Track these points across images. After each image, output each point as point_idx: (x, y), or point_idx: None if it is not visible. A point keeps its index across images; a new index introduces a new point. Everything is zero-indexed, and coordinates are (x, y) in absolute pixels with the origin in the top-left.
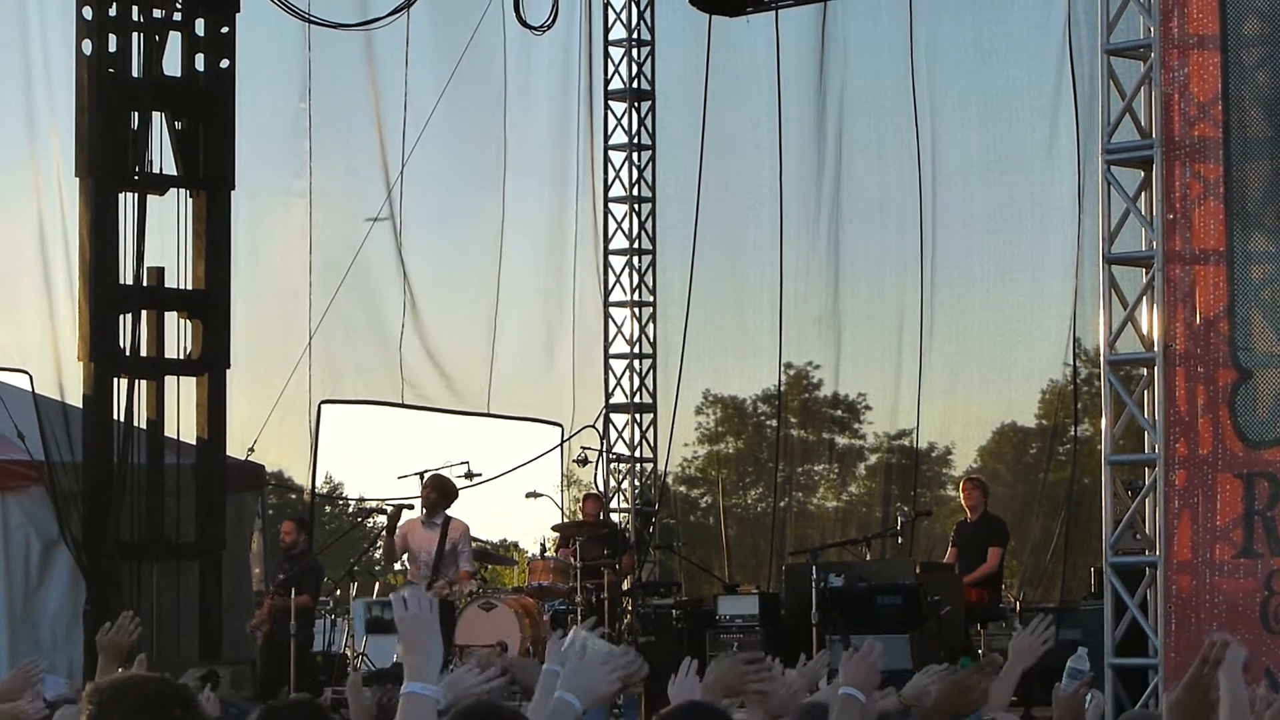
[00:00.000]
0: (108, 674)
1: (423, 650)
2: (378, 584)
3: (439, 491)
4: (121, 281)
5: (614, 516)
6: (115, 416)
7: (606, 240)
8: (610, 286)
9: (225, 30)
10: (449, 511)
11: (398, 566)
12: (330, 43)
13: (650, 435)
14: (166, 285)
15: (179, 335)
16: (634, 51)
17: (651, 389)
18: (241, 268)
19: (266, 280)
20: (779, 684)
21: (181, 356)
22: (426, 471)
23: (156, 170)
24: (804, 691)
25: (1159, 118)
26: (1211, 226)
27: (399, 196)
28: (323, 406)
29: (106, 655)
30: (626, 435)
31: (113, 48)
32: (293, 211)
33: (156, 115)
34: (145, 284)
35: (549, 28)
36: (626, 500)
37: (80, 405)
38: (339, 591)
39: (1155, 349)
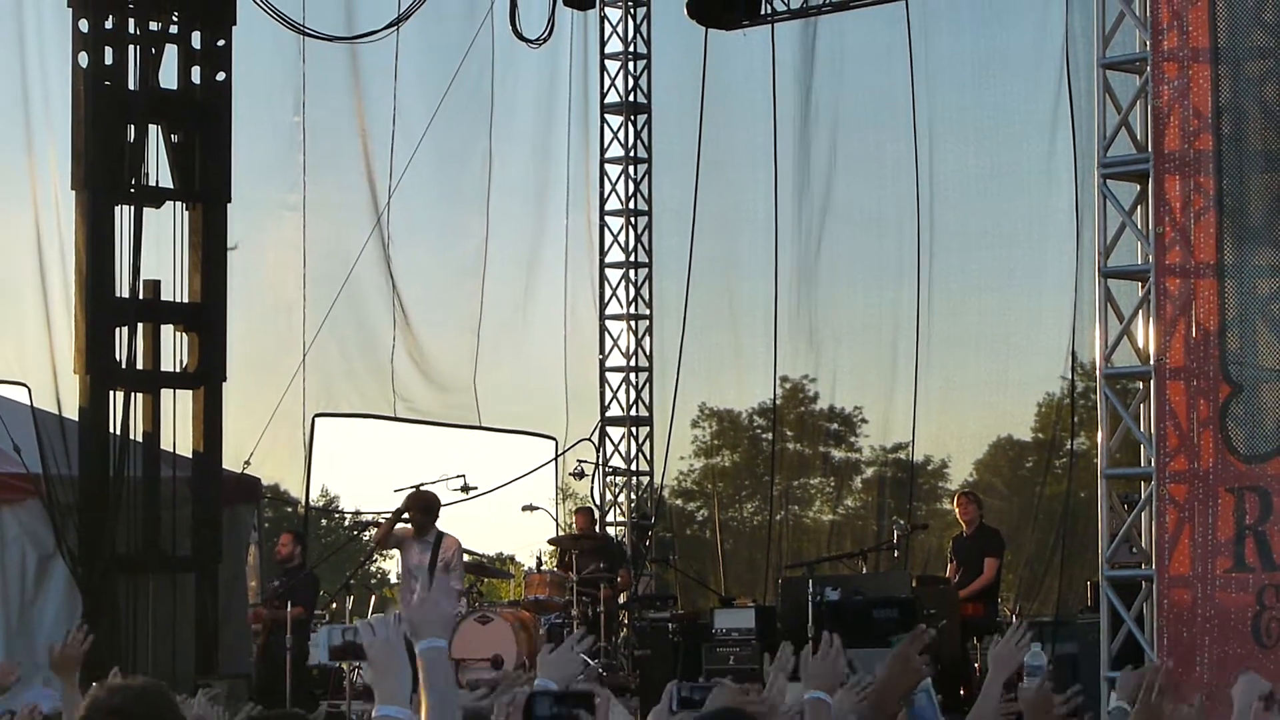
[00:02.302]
0: (70, 689)
1: (393, 674)
2: (374, 597)
3: (421, 510)
4: (118, 294)
5: (610, 530)
6: (111, 429)
7: (603, 254)
8: (606, 300)
9: (221, 43)
10: (441, 526)
11: (391, 575)
12: (324, 57)
13: (646, 448)
14: (163, 298)
15: (175, 348)
16: (630, 65)
17: (647, 402)
18: (236, 281)
19: (261, 293)
20: (772, 697)
21: (178, 369)
22: (422, 485)
23: (153, 183)
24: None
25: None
26: (1212, 240)
27: (387, 213)
28: (316, 420)
29: (62, 672)
30: (623, 448)
31: (109, 60)
32: (286, 225)
33: (153, 128)
34: (141, 297)
35: (545, 40)
36: (623, 513)
37: (77, 418)
38: (335, 605)
39: (1152, 363)
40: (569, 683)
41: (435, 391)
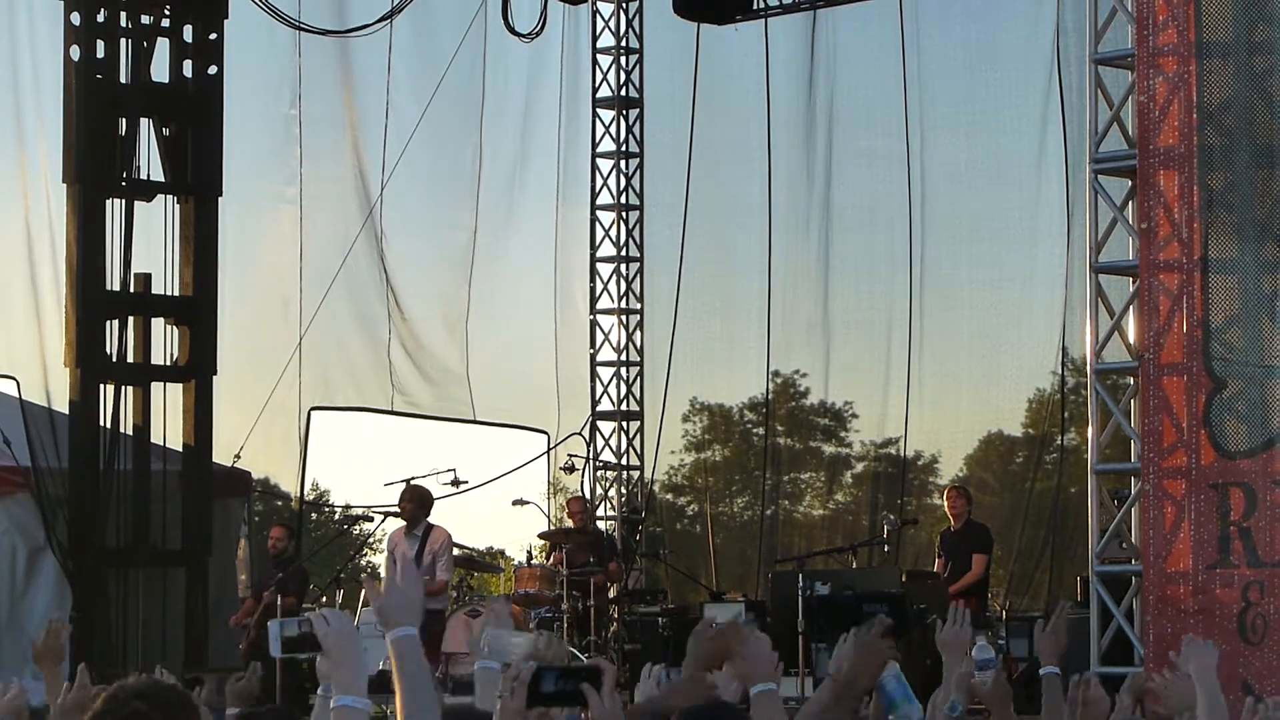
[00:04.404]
0: (53, 680)
1: (350, 664)
2: (364, 591)
3: (415, 502)
4: (109, 287)
5: (600, 524)
6: (102, 422)
7: (594, 248)
8: (597, 294)
9: (213, 37)
10: (432, 519)
11: (381, 569)
12: (320, 50)
13: (637, 443)
14: (153, 291)
15: (166, 341)
16: (622, 59)
17: (638, 397)
18: (232, 274)
19: (257, 287)
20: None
21: (168, 363)
22: (412, 479)
23: (144, 176)
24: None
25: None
26: (1209, 235)
27: (379, 206)
28: (313, 413)
29: (45, 663)
30: (613, 443)
31: (101, 54)
32: (283, 218)
33: (144, 121)
34: (132, 290)
35: (537, 35)
36: (613, 508)
37: (67, 411)
38: (325, 598)
39: (1140, 358)
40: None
41: (431, 385)
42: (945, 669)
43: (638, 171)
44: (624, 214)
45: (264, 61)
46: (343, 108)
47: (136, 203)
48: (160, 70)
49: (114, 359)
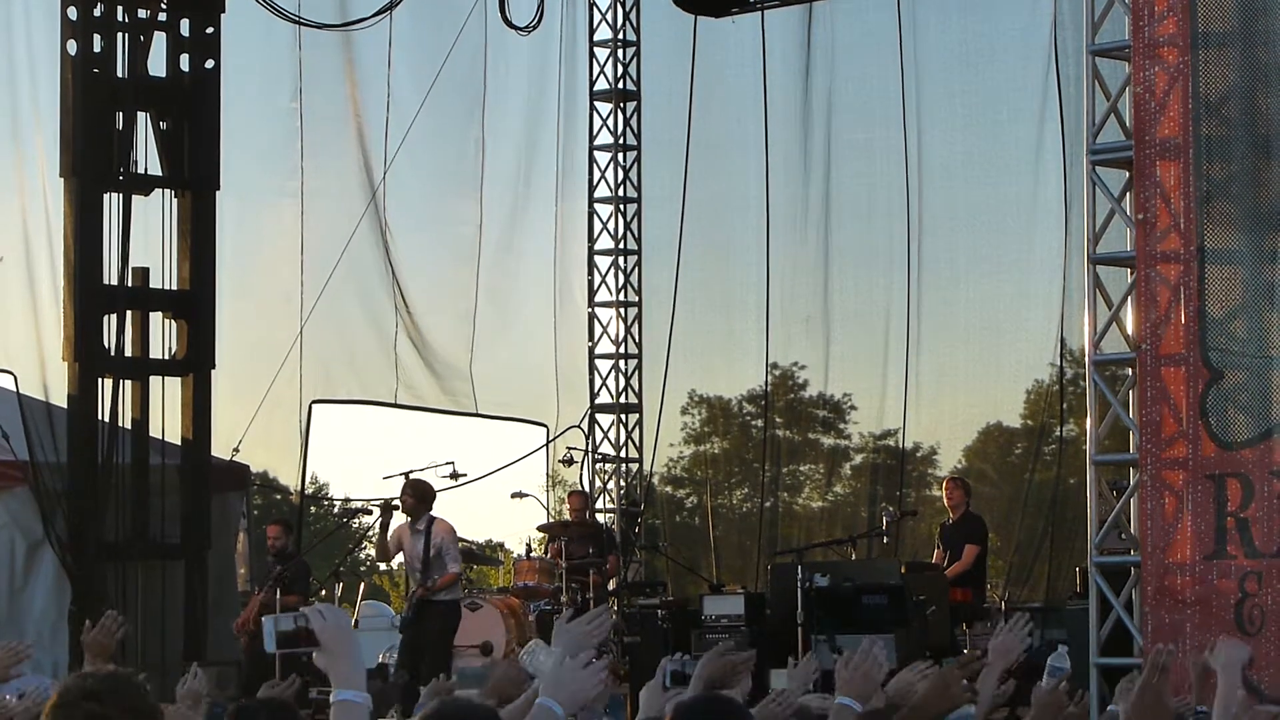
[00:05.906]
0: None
1: (348, 658)
2: (363, 584)
3: (415, 496)
4: (106, 282)
5: (599, 517)
6: (100, 417)
7: (592, 241)
8: (596, 287)
9: (210, 30)
10: (434, 512)
11: (394, 564)
12: (320, 43)
13: (636, 435)
14: (151, 286)
15: (164, 335)
16: (619, 52)
17: (637, 389)
18: (232, 268)
19: (257, 280)
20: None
21: (166, 357)
22: (411, 472)
23: (141, 171)
24: (797, 694)
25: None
26: (1207, 226)
27: (383, 198)
28: (314, 406)
29: (92, 653)
30: (612, 435)
31: (97, 48)
32: (284, 212)
33: (141, 115)
34: (130, 284)
35: (535, 28)
36: (612, 500)
37: (65, 405)
38: (324, 592)
39: (1138, 349)
40: (577, 654)
41: (435, 378)
42: (986, 671)
43: (635, 164)
44: (622, 207)
45: (264, 55)
46: (345, 101)
47: (134, 197)
48: (157, 64)
49: (112, 353)
